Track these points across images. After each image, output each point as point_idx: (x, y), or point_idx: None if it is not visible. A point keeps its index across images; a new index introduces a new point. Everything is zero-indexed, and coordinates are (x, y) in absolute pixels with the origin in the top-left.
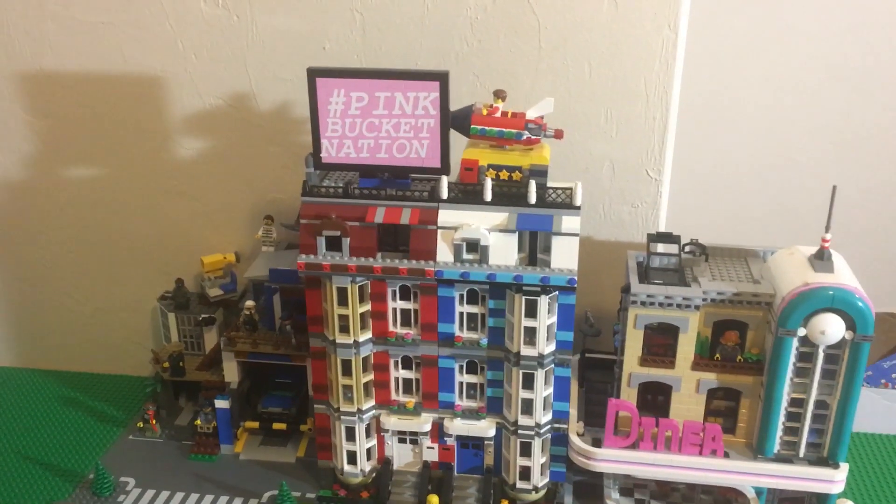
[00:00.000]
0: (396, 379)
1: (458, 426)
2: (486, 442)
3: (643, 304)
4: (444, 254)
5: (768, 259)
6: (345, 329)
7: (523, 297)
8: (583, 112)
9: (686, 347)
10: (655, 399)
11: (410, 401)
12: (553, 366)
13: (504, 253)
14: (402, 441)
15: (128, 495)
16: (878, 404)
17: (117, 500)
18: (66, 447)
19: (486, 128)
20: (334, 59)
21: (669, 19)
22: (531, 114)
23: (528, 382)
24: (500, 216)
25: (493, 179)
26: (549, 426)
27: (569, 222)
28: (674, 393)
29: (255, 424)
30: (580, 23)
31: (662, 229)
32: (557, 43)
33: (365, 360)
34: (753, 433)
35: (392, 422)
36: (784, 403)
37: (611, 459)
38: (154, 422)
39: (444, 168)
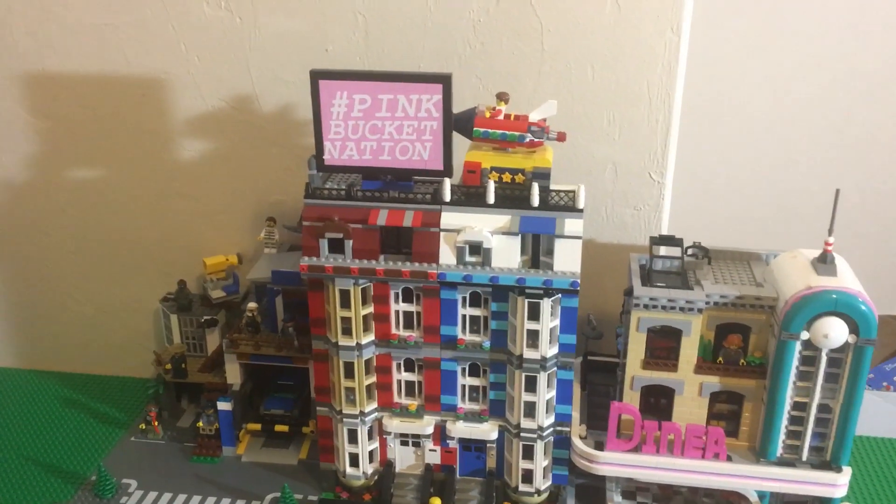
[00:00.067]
0: (399, 381)
1: (460, 429)
2: (488, 445)
3: (646, 307)
4: (446, 256)
5: (771, 262)
6: (347, 331)
7: (526, 300)
8: (585, 115)
9: (689, 350)
10: (658, 402)
11: (413, 403)
12: (556, 369)
13: (507, 255)
14: (404, 443)
15: (130, 497)
16: (880, 407)
17: (119, 501)
18: (69, 449)
19: (489, 130)
20: (337, 62)
21: (672, 22)
22: (534, 116)
23: (531, 385)
24: (502, 219)
25: (495, 182)
26: (551, 429)
27: (572, 225)
28: (676, 396)
29: (258, 426)
30: (583, 25)
31: (665, 232)
32: (560, 45)
33: (367, 362)
34: (756, 437)
35: (394, 424)
36: (787, 407)
37: (613, 463)
38: (156, 423)
39: (447, 170)
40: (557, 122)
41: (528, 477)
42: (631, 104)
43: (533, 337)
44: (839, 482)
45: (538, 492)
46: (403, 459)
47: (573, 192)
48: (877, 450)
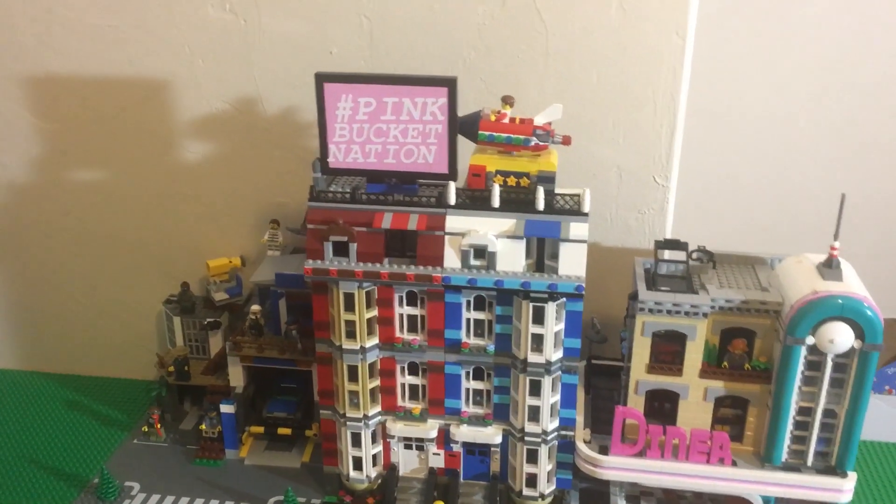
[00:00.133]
0: (403, 385)
1: (464, 433)
2: (492, 448)
3: (651, 311)
4: (451, 260)
5: (776, 267)
6: (351, 334)
7: (531, 304)
8: (590, 118)
9: (694, 355)
10: (662, 407)
11: (417, 407)
12: (560, 373)
13: (511, 259)
14: (408, 447)
15: (132, 500)
16: (882, 411)
17: None
18: (71, 451)
19: (494, 134)
20: (341, 64)
21: (677, 26)
22: (539, 120)
23: (535, 389)
24: (507, 222)
25: (500, 185)
26: (555, 433)
27: (576, 229)
28: (681, 401)
29: (261, 429)
30: (588, 29)
31: (670, 236)
32: (565, 49)
33: (371, 365)
34: (761, 442)
35: (398, 428)
36: (792, 412)
37: (617, 467)
38: (159, 426)
39: (452, 174)
40: (562, 126)
41: (532, 481)
42: (636, 108)
43: (537, 341)
44: (845, 487)
45: (542, 496)
46: (407, 463)
47: (578, 195)
48: (881, 454)
